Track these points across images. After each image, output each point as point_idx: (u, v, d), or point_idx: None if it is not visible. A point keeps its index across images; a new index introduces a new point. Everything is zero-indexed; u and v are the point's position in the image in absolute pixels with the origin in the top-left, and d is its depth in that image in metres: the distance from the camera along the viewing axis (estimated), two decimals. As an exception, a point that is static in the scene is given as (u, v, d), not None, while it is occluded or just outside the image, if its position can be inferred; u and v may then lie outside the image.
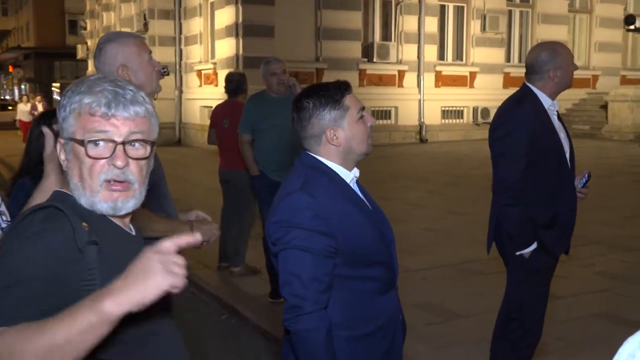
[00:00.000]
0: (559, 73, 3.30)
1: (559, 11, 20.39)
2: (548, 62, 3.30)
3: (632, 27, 14.75)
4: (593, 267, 6.34)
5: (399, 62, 18.38)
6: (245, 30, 16.35)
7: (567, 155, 3.38)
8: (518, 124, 3.26)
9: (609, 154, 15.01)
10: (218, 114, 6.52)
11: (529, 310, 3.48)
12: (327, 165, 2.16)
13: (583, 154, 13.20)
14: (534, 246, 3.31)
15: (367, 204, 2.21)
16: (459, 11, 19.39)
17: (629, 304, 5.37)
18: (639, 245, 7.24)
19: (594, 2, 21.26)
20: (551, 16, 20.20)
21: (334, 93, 2.12)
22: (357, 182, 2.25)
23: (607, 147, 16.18)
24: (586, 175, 3.42)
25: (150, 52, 2.61)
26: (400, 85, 18.44)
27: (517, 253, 3.34)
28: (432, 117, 18.82)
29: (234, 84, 6.45)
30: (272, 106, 5.53)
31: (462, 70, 19.31)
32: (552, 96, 3.36)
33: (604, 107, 18.77)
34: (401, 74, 18.44)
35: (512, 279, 3.51)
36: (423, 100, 18.57)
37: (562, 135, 3.39)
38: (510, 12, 20.02)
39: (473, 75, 19.36)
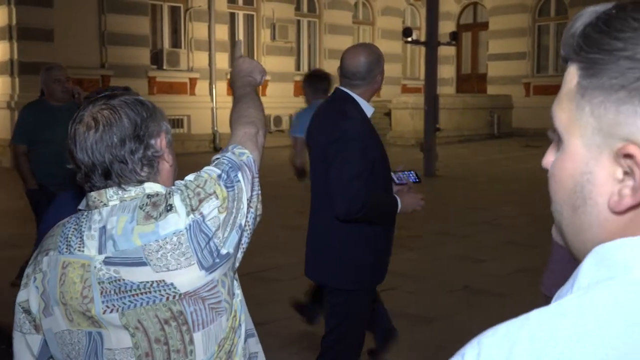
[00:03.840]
0: (380, 77, 3.15)
1: (344, 22, 21.24)
2: (375, 67, 3.13)
3: (409, 39, 15.70)
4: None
5: (190, 69, 18.05)
6: (21, 33, 15.08)
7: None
8: (352, 139, 2.98)
9: (393, 159, 15.75)
10: None
11: (353, 330, 3.26)
12: None
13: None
14: (399, 202, 3.12)
15: None
16: (248, 19, 19.48)
17: (416, 300, 5.59)
18: (420, 244, 7.62)
19: (375, 15, 22.45)
20: (337, 27, 20.98)
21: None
22: None
23: (392, 153, 16.82)
24: (412, 173, 3.23)
25: None
26: (192, 93, 18.11)
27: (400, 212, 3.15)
28: (226, 125, 18.13)
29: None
30: (53, 115, 5.07)
31: (254, 79, 19.34)
32: (368, 101, 3.19)
33: (388, 114, 19.83)
34: (193, 81, 18.12)
35: (331, 306, 3.27)
36: (216, 109, 18.38)
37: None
38: (298, 21, 20.50)
39: (265, 83, 19.51)
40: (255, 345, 1.70)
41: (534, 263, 5.75)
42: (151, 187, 1.53)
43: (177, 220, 1.46)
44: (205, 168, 1.59)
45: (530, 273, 5.68)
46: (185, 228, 1.46)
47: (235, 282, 1.61)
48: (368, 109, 3.17)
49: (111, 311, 1.46)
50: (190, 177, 1.56)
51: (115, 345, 1.48)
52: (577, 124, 0.67)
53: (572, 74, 0.69)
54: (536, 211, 9.10)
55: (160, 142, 1.56)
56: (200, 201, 1.49)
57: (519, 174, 13.23)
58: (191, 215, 1.47)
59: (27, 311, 1.56)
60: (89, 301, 1.47)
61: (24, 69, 14.45)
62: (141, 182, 1.52)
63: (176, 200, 1.48)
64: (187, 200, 1.48)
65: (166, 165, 1.58)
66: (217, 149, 18.20)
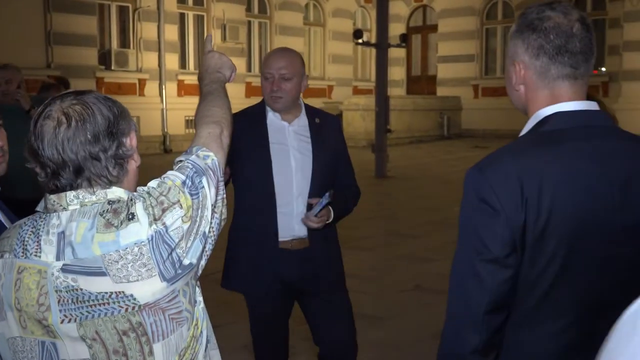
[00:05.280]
0: (264, 82, 3.04)
1: (294, 24, 21.24)
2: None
3: (360, 41, 15.81)
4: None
5: (139, 70, 17.80)
6: (-38, 32, 14.69)
7: (293, 172, 3.07)
8: None
9: (345, 159, 15.88)
10: None
11: (253, 332, 3.32)
12: None
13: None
14: None
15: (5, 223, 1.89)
16: (199, 20, 19.32)
17: (367, 300, 5.60)
18: (372, 245, 7.66)
19: (326, 17, 22.51)
20: (288, 28, 20.97)
21: None
22: None
23: (343, 153, 17.10)
24: (327, 196, 3.01)
25: None
26: (142, 94, 17.87)
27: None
28: (176, 126, 18.50)
29: None
30: None
31: (205, 80, 19.21)
32: (267, 103, 3.05)
33: (340, 115, 19.90)
34: (142, 82, 17.88)
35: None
36: (166, 110, 18.17)
37: (295, 149, 3.08)
38: (249, 22, 20.41)
39: (216, 84, 19.33)
40: (211, 351, 1.67)
41: (483, 262, 5.82)
42: (114, 191, 1.47)
43: (139, 230, 1.41)
44: (169, 173, 1.54)
45: (479, 272, 5.77)
46: (148, 239, 1.41)
47: (197, 289, 1.56)
48: (271, 115, 3.09)
49: (69, 321, 1.41)
50: (153, 183, 1.51)
51: (72, 356, 1.43)
52: None
53: None
54: (485, 211, 9.25)
55: (130, 141, 1.52)
56: (164, 210, 1.44)
57: (468, 174, 13.41)
58: (153, 226, 1.42)
59: None
60: (46, 309, 1.42)
61: (-34, 69, 14.04)
62: (110, 183, 1.47)
63: (138, 209, 1.43)
64: (150, 209, 1.43)
65: (134, 165, 1.55)
66: (167, 151, 18.01)
